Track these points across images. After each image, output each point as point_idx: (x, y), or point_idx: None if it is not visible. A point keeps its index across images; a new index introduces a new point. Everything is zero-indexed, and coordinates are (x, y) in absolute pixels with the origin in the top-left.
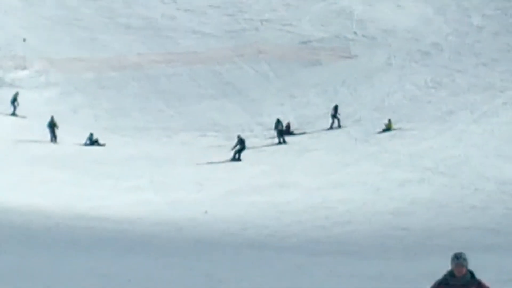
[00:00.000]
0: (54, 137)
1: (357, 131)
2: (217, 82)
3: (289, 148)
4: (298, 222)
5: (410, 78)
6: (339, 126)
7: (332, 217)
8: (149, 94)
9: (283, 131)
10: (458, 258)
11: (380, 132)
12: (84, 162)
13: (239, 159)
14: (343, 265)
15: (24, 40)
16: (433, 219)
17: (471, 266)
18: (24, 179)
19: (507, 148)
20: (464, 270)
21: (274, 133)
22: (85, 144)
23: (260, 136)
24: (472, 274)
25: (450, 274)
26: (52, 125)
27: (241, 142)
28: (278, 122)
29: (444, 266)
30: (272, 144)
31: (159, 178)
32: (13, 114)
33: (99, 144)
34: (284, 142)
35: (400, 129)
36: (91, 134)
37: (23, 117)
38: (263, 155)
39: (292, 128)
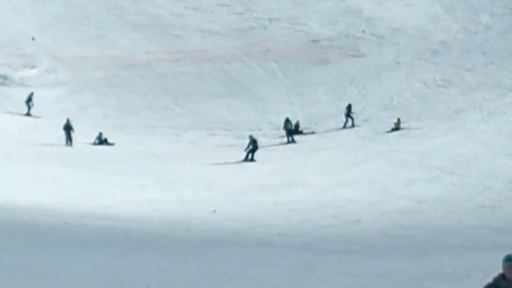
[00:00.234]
0: (69, 140)
1: (366, 130)
2: (226, 81)
3: (298, 147)
4: (307, 221)
5: (418, 76)
6: (353, 125)
7: (341, 216)
8: (158, 92)
9: (292, 130)
10: (511, 260)
11: (389, 131)
12: (92, 160)
13: (252, 160)
14: (352, 264)
15: (33, 38)
16: (442, 218)
17: (479, 265)
18: (32, 177)
19: None
20: None
21: (283, 132)
22: (94, 144)
23: (268, 135)
24: None
25: (502, 276)
26: (67, 128)
27: (253, 142)
28: (287, 121)
29: (452, 265)
30: (281, 143)
31: (167, 176)
32: (28, 114)
33: (108, 144)
34: (293, 141)
35: (409, 128)
36: (100, 134)
37: (38, 117)
38: (272, 154)
39: (301, 127)
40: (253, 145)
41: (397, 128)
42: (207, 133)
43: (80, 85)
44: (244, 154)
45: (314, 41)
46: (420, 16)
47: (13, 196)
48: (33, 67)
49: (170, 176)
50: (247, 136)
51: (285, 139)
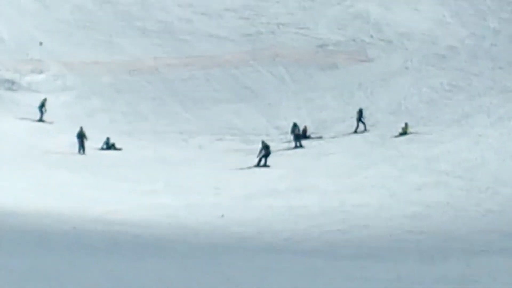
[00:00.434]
0: (82, 148)
1: (374, 135)
2: (234, 86)
3: (306, 152)
4: (315, 226)
5: (426, 81)
6: (365, 130)
7: (349, 220)
8: (166, 97)
9: (299, 135)
10: None
11: (396, 136)
12: (100, 166)
13: (265, 165)
14: (360, 269)
15: (41, 43)
16: (449, 222)
17: (488, 270)
18: (41, 183)
19: None
20: None
21: (291, 137)
22: (102, 149)
23: (276, 140)
24: None
25: None
26: (81, 136)
27: (265, 147)
28: (295, 126)
29: (460, 270)
30: (289, 148)
31: (176, 181)
32: (41, 120)
33: (115, 149)
34: (301, 146)
35: (416, 132)
36: (108, 139)
37: (51, 122)
38: (280, 159)
39: (308, 132)
40: (266, 151)
41: (404, 133)
42: (215, 138)
43: (88, 90)
44: (256, 160)
45: (322, 46)
46: (428, 21)
47: (21, 201)
48: (41, 72)
49: (178, 181)
50: (255, 141)
51: (293, 144)
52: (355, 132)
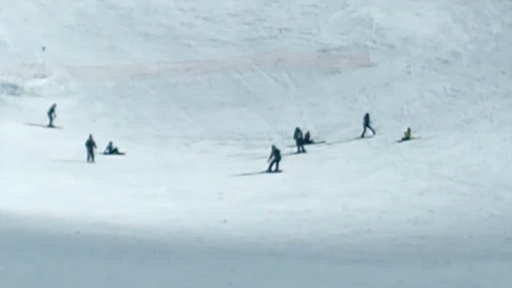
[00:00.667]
0: (91, 156)
1: (377, 139)
2: (236, 90)
3: (309, 157)
4: (317, 231)
5: (429, 86)
6: (374, 134)
7: (352, 225)
8: (169, 102)
9: (302, 140)
10: None
11: (399, 141)
12: (103, 170)
13: (277, 170)
14: (363, 274)
15: (44, 48)
16: (452, 227)
17: (490, 275)
18: (43, 187)
19: None
20: None
21: (293, 141)
22: (104, 153)
23: (279, 145)
24: None
25: None
26: (90, 144)
27: (276, 152)
28: (298, 131)
29: (463, 274)
30: (292, 153)
31: (178, 186)
32: (50, 125)
33: (118, 153)
34: (303, 151)
35: (419, 137)
36: (111, 143)
37: (60, 127)
38: (283, 164)
39: (311, 137)
40: (276, 156)
41: (407, 137)
42: (218, 142)
43: (90, 95)
44: (267, 165)
45: (324, 50)
46: (431, 26)
47: (24, 205)
48: (43, 76)
49: (180, 185)
50: (258, 146)
51: (296, 149)
52: (362, 136)
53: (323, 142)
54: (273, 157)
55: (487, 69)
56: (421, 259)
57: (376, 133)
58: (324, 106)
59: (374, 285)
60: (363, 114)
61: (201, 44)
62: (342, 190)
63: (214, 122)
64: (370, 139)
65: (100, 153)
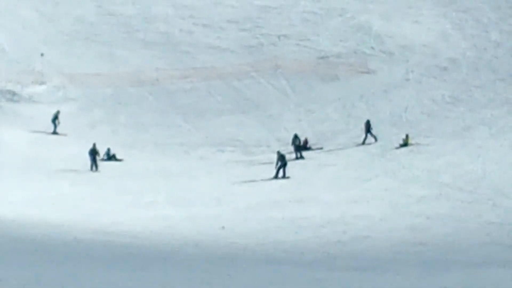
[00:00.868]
0: (95, 166)
1: (375, 146)
2: (235, 97)
3: (307, 164)
4: (316, 237)
5: (427, 93)
6: (376, 140)
7: (350, 232)
8: (167, 109)
9: (300, 147)
10: None
11: (397, 148)
12: (102, 177)
13: (284, 176)
14: (361, 281)
15: (42, 55)
16: (450, 234)
17: (489, 282)
18: (42, 194)
19: None
20: None
21: (292, 148)
22: (102, 160)
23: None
24: None
25: None
26: (93, 153)
27: (281, 158)
28: (296, 137)
29: (461, 282)
30: (290, 160)
31: (177, 193)
32: (54, 132)
33: (116, 159)
34: (302, 157)
35: (417, 144)
36: (108, 149)
37: (64, 135)
38: (281, 171)
39: (309, 144)
40: (282, 161)
41: (405, 144)
42: (216, 149)
43: (89, 101)
44: (274, 172)
45: (323, 57)
46: (430, 33)
47: (22, 212)
48: (42, 83)
49: (179, 192)
50: (256, 153)
51: (294, 155)
52: (363, 143)
53: (321, 148)
54: (279, 163)
55: (486, 77)
56: (420, 266)
57: (377, 140)
58: (323, 113)
59: None
60: (364, 121)
61: (200, 51)
62: (341, 197)
63: (213, 129)
64: (368, 146)
65: (98, 160)
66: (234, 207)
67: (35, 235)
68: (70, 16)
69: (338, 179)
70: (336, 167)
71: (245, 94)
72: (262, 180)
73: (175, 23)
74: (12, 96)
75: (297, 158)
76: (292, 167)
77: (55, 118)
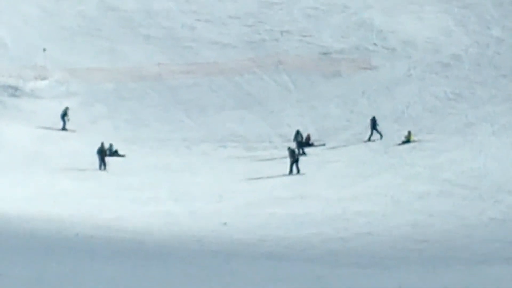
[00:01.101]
0: (103, 165)
1: (377, 143)
2: (237, 93)
3: (309, 160)
4: (317, 234)
5: (430, 89)
6: (381, 137)
7: (352, 228)
8: (169, 104)
9: (302, 143)
10: None
11: (399, 144)
12: (104, 173)
13: (298, 172)
14: (363, 277)
15: (44, 50)
16: (452, 231)
17: (491, 279)
18: (44, 190)
19: None
20: None
21: (294, 144)
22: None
23: (280, 148)
24: None
25: None
26: (101, 152)
27: (291, 153)
28: (298, 133)
29: (463, 279)
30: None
31: (179, 189)
32: (63, 128)
33: (118, 155)
34: (304, 153)
35: (420, 141)
36: (111, 145)
37: (73, 131)
38: (283, 167)
39: (312, 140)
40: (292, 157)
41: (408, 141)
42: (218, 145)
43: (91, 97)
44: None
45: (325, 53)
46: (432, 29)
47: (24, 208)
48: (44, 78)
49: (181, 188)
50: (258, 148)
51: (296, 152)
52: (369, 140)
53: (324, 145)
54: (290, 159)
55: (488, 73)
56: (421, 262)
57: (383, 137)
58: (325, 109)
59: None
60: (370, 118)
61: (202, 46)
62: (342, 194)
63: (215, 125)
64: (370, 143)
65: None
66: (236, 203)
67: (37, 231)
68: (72, 11)
69: (340, 176)
70: (338, 164)
71: (247, 89)
72: (264, 176)
73: (177, 18)
74: (14, 91)
75: (299, 154)
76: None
77: (64, 114)
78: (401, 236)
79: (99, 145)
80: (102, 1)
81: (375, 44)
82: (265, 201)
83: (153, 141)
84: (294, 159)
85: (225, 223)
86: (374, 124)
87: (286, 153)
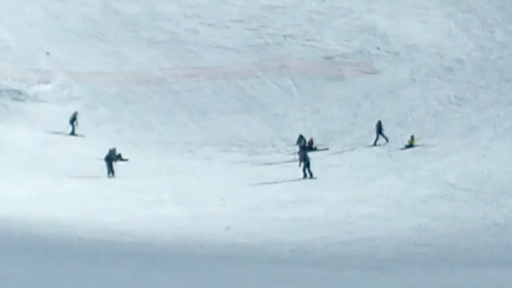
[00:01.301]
0: (111, 172)
1: (380, 146)
2: (240, 97)
3: (312, 164)
4: (321, 237)
5: (433, 93)
6: (387, 141)
7: (355, 232)
8: (172, 108)
9: (305, 147)
10: None
11: (403, 148)
12: (107, 176)
13: (311, 176)
14: (366, 281)
15: (48, 53)
16: (455, 235)
17: (494, 283)
18: (47, 192)
19: None
20: None
21: (297, 148)
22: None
23: (283, 151)
24: None
25: None
26: (109, 159)
27: (304, 158)
28: (301, 137)
29: (467, 282)
30: (295, 160)
31: (182, 192)
32: (72, 133)
33: (122, 159)
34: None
35: (423, 145)
36: (114, 149)
37: (82, 135)
38: (286, 170)
39: (315, 144)
40: (304, 161)
41: (411, 145)
42: (221, 149)
43: (94, 100)
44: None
45: (329, 57)
46: (435, 33)
47: (27, 210)
48: (47, 82)
49: (184, 191)
50: (261, 152)
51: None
52: (375, 144)
53: (327, 149)
54: (303, 163)
55: (491, 77)
56: (425, 266)
57: (388, 141)
58: (328, 113)
59: None
60: (375, 122)
61: (205, 50)
62: (346, 197)
63: (218, 129)
64: (374, 146)
65: (103, 159)
66: (239, 206)
67: (39, 234)
68: (75, 14)
69: (343, 179)
70: (341, 168)
71: (250, 93)
72: (267, 180)
73: (180, 22)
74: (18, 95)
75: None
76: (297, 167)
77: (74, 119)
78: (405, 240)
79: (107, 152)
80: (106, 4)
81: (378, 48)
82: (268, 204)
83: (156, 144)
84: (306, 163)
85: (228, 227)
86: (380, 128)
87: (290, 157)
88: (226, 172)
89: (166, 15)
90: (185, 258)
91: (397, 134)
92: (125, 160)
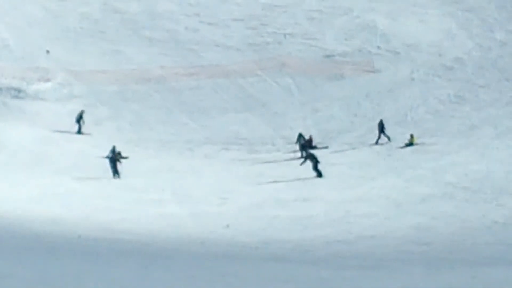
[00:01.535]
0: (116, 173)
1: (380, 145)
2: (240, 95)
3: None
4: (321, 236)
5: (433, 92)
6: (389, 140)
7: (355, 231)
8: (172, 107)
9: (305, 145)
10: None
11: (402, 147)
12: (108, 175)
13: (320, 176)
14: (366, 279)
15: (48, 52)
16: (455, 234)
17: (493, 282)
18: (47, 191)
19: None
20: None
21: (297, 147)
22: (107, 157)
23: (283, 150)
24: None
25: None
26: (114, 160)
27: (311, 157)
28: (300, 136)
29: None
30: (295, 158)
31: (182, 191)
32: (79, 132)
33: (122, 157)
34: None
35: (423, 143)
36: (114, 147)
37: (88, 134)
38: (286, 169)
39: (314, 142)
40: (312, 160)
41: (411, 144)
42: (221, 147)
43: (94, 99)
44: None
45: (329, 56)
46: (435, 33)
47: (27, 209)
48: (47, 80)
49: (184, 190)
50: (261, 151)
51: (299, 154)
52: (376, 143)
53: (326, 147)
54: (311, 163)
55: (491, 76)
56: (424, 265)
57: (391, 140)
58: (328, 112)
59: None
60: (377, 121)
61: (205, 49)
62: (345, 196)
63: (218, 127)
64: (374, 145)
65: (103, 157)
66: (239, 205)
67: (40, 232)
68: (75, 13)
69: (343, 178)
70: (341, 166)
71: (250, 92)
72: (267, 178)
73: (180, 20)
74: (18, 93)
75: (302, 156)
76: (297, 166)
77: (80, 118)
78: (404, 239)
79: (109, 151)
80: (105, 3)
81: (378, 47)
82: (268, 203)
83: (156, 143)
84: (315, 162)
85: (227, 225)
86: (382, 127)
87: (290, 155)
88: (226, 171)
89: (166, 13)
90: (185, 257)
91: (397, 133)
92: (125, 158)
